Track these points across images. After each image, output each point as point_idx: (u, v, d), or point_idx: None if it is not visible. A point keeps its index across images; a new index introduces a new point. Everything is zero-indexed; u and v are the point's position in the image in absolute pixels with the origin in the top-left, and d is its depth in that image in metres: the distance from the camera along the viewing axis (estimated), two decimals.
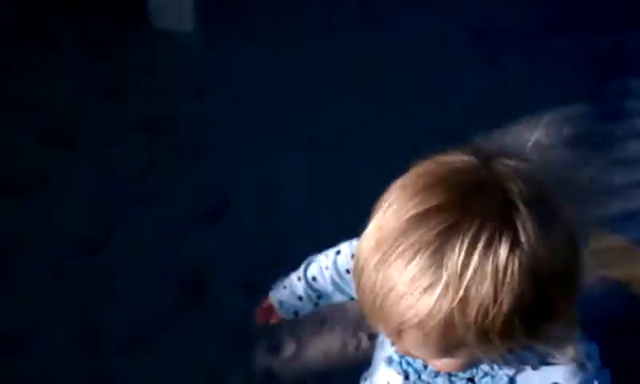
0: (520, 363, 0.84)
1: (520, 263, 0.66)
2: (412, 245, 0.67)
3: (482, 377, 0.86)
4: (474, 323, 0.66)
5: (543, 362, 0.83)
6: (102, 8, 2.79)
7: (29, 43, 2.70)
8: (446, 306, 0.66)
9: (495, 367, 0.85)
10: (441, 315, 0.66)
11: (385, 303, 0.69)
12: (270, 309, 1.29)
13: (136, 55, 2.69)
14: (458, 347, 0.72)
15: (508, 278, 0.66)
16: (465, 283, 0.65)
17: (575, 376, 0.83)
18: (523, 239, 0.66)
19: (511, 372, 0.84)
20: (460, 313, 0.66)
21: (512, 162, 0.71)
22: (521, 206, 0.67)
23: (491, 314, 0.66)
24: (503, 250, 0.66)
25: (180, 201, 2.21)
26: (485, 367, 0.85)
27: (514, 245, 0.66)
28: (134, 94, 2.53)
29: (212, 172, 2.30)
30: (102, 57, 2.67)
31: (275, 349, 1.88)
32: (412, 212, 0.68)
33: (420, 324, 0.68)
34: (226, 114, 2.53)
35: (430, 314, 0.66)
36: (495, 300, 0.66)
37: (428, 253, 0.66)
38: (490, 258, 0.65)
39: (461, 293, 0.65)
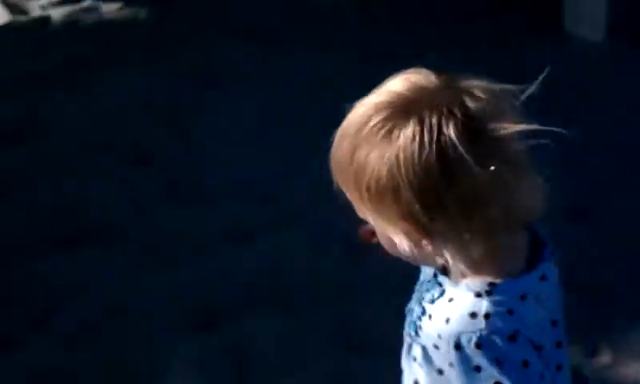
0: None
1: (460, 141, 0.75)
2: (372, 126, 0.79)
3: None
4: (409, 184, 0.77)
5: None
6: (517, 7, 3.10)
7: None
8: (395, 169, 0.77)
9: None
10: (388, 175, 0.78)
11: (348, 169, 0.82)
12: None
13: (542, 56, 2.91)
14: (396, 223, 0.82)
15: (450, 153, 0.75)
16: (409, 151, 0.76)
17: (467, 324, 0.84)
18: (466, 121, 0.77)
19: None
20: (401, 176, 0.77)
21: (474, 82, 0.81)
22: (472, 105, 0.78)
23: (423, 180, 0.76)
24: (447, 130, 0.76)
25: None
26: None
27: (458, 127, 0.76)
28: None
29: None
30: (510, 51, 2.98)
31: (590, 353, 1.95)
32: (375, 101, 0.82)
33: (371, 186, 0.80)
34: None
35: (379, 174, 0.78)
36: (431, 169, 0.76)
37: (383, 131, 0.78)
38: (434, 135, 0.76)
39: (403, 157, 0.77)
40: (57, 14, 3.31)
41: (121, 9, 3.33)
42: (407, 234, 0.83)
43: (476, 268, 0.85)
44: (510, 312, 0.85)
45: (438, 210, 0.79)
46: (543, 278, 0.89)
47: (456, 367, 0.86)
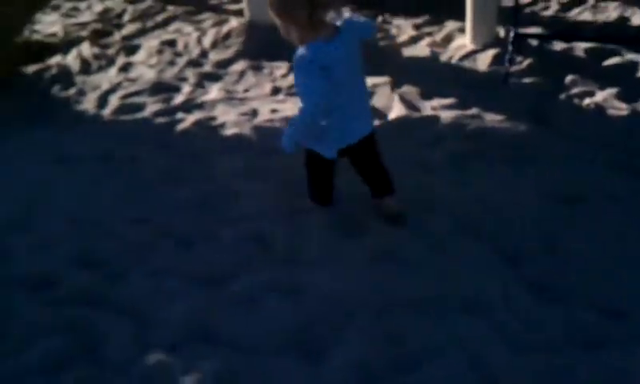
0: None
1: None
2: None
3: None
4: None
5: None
6: None
7: None
8: None
9: None
10: None
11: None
12: None
13: None
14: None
15: None
16: None
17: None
18: None
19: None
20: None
21: None
22: None
23: None
24: None
25: None
26: None
27: None
28: None
29: None
30: None
31: None
32: None
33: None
34: None
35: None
36: None
37: None
38: None
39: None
40: (445, 115, 3.73)
41: (502, 121, 3.64)
42: (286, 28, 2.57)
43: (303, 41, 2.56)
44: (312, 53, 2.52)
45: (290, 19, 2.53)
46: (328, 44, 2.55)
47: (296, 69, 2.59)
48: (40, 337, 2.50)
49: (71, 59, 4.84)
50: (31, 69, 4.74)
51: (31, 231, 3.07)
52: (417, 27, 4.86)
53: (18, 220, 3.15)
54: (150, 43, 4.99)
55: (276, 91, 4.15)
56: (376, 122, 3.61)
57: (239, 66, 4.49)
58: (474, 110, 3.73)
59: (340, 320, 2.48)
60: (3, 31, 4.41)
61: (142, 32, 5.25)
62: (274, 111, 3.88)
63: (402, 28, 4.86)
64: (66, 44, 5.09)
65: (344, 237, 2.87)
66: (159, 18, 5.49)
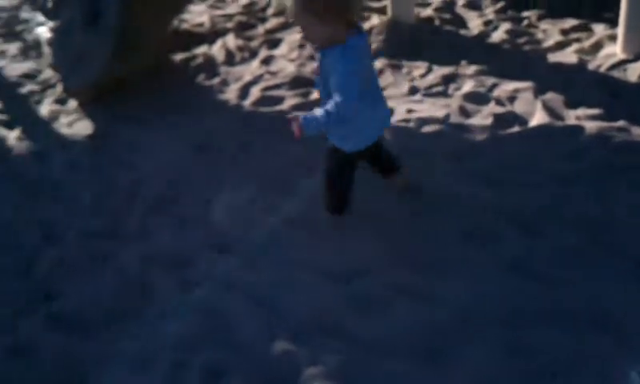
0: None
1: None
2: None
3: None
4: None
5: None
6: None
7: None
8: None
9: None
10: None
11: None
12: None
13: None
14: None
15: None
16: None
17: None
18: None
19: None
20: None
21: None
22: None
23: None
24: None
25: None
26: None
27: None
28: None
29: None
30: None
31: None
32: None
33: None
34: None
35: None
36: None
37: None
38: None
39: None
40: (590, 126, 3.57)
41: None
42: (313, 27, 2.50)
43: (334, 40, 2.54)
44: (351, 45, 2.51)
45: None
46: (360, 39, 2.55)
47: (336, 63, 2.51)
48: (174, 316, 2.61)
49: (216, 50, 5.00)
50: (178, 57, 4.95)
51: (172, 213, 3.21)
52: (564, 32, 4.68)
53: (161, 201, 3.30)
54: (291, 37, 5.07)
55: (413, 91, 4.12)
56: (516, 128, 3.52)
57: (377, 63, 4.48)
58: (621, 123, 3.55)
59: (468, 329, 2.43)
60: (160, 19, 4.62)
61: (285, 26, 5.35)
62: (410, 111, 3.86)
63: (549, 32, 4.69)
64: (212, 34, 5.27)
65: (476, 245, 2.81)
66: None
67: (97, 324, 2.66)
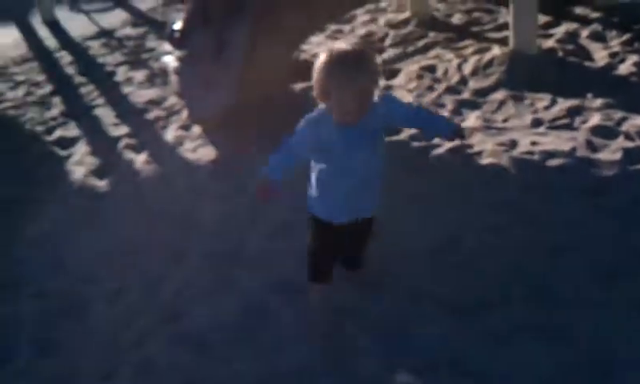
0: None
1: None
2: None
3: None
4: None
5: None
6: None
7: None
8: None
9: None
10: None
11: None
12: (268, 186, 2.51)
13: None
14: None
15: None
16: None
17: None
18: None
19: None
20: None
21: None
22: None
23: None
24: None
25: None
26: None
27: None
28: None
29: None
30: None
31: None
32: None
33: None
34: None
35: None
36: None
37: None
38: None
39: None
40: None
41: None
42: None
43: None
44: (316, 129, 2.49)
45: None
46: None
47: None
48: (292, 343, 2.62)
49: None
50: (298, 87, 5.03)
51: (290, 239, 3.25)
52: None
53: (281, 227, 3.34)
54: (409, 68, 5.07)
55: (537, 123, 4.01)
56: None
57: (499, 94, 4.41)
58: None
59: (600, 368, 2.32)
60: (282, 49, 4.72)
61: (403, 56, 5.36)
62: (534, 143, 3.76)
63: None
64: None
65: (609, 284, 2.70)
66: (420, 43, 5.57)
67: (219, 345, 2.71)
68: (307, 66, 5.29)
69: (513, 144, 3.79)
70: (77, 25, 8.01)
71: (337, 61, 2.34)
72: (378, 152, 2.51)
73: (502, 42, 5.11)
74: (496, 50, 4.95)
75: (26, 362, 2.73)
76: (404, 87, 4.79)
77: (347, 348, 2.58)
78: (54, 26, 8.08)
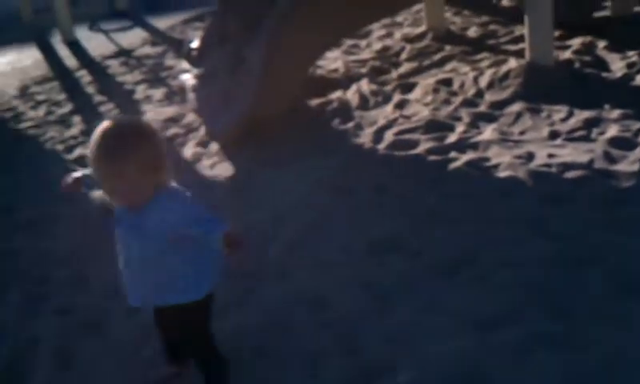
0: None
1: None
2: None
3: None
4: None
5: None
6: None
7: None
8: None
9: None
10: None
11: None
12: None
13: None
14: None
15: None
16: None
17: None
18: None
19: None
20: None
21: None
22: None
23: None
24: None
25: None
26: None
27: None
28: None
29: None
30: None
31: None
32: None
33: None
34: None
35: None
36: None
37: None
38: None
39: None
40: None
41: None
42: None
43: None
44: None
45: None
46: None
47: None
48: (320, 357, 2.62)
49: (351, 94, 5.08)
50: (314, 102, 5.06)
51: (308, 253, 3.26)
52: None
53: (298, 242, 3.36)
54: (425, 81, 5.09)
55: (554, 135, 4.01)
56: None
57: (516, 107, 4.41)
58: None
59: (619, 382, 2.31)
60: (299, 65, 4.75)
61: (418, 70, 5.38)
62: (551, 156, 3.75)
63: None
64: (347, 80, 5.36)
65: (621, 293, 2.67)
66: (436, 57, 5.59)
67: (240, 359, 2.72)
68: (322, 81, 5.36)
69: (530, 156, 3.79)
70: (96, 44, 8.12)
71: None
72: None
73: (518, 54, 5.12)
74: (512, 63, 4.95)
75: (46, 376, 2.75)
76: (420, 101, 4.81)
77: (372, 359, 2.58)
78: (74, 46, 8.20)
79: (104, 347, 2.87)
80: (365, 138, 4.41)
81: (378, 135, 4.40)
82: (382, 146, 4.26)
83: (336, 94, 5.13)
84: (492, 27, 6.01)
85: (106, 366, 2.76)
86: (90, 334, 2.96)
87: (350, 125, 4.62)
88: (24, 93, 6.73)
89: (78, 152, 4.97)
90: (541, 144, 3.93)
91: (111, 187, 2.13)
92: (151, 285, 2.29)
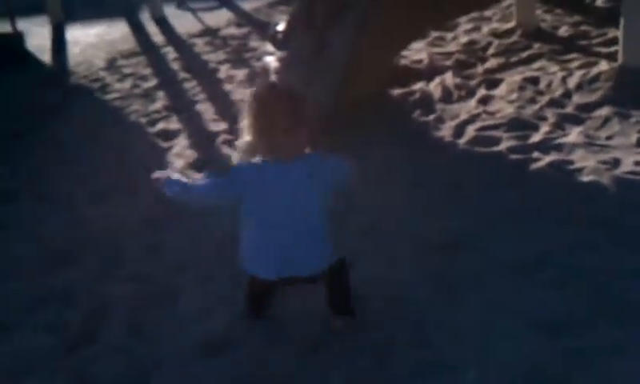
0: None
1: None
2: None
3: None
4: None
5: None
6: None
7: None
8: None
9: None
10: None
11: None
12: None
13: None
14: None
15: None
16: None
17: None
18: None
19: None
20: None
21: None
22: None
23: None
24: None
25: None
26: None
27: None
28: None
29: None
30: None
31: None
32: None
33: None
34: None
35: None
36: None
37: None
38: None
39: None
40: None
41: None
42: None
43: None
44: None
45: None
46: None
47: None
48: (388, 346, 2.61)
49: (434, 87, 5.01)
50: (397, 92, 5.02)
51: (379, 241, 3.24)
52: None
53: (369, 230, 3.34)
54: (511, 78, 4.97)
55: None
56: None
57: (604, 111, 4.27)
58: None
59: None
60: (382, 54, 4.72)
61: (505, 67, 5.26)
62: (637, 163, 3.62)
63: None
64: (431, 71, 5.29)
65: None
66: (524, 54, 5.45)
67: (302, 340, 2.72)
68: (406, 71, 5.30)
69: (615, 162, 3.66)
70: (183, 22, 8.27)
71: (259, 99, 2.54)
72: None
73: (610, 57, 4.94)
74: (603, 65, 4.79)
75: (116, 341, 2.82)
76: (505, 98, 4.70)
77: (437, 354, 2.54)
78: (162, 23, 8.37)
79: (174, 316, 2.92)
80: (445, 131, 4.34)
81: (459, 130, 4.33)
82: (462, 141, 4.19)
83: (419, 86, 5.07)
84: (584, 28, 5.82)
85: (175, 336, 2.80)
86: (162, 303, 3.02)
87: (431, 117, 4.56)
88: (111, 65, 6.91)
89: (160, 126, 5.07)
90: (628, 150, 3.79)
91: (280, 141, 2.42)
92: (294, 235, 2.50)
